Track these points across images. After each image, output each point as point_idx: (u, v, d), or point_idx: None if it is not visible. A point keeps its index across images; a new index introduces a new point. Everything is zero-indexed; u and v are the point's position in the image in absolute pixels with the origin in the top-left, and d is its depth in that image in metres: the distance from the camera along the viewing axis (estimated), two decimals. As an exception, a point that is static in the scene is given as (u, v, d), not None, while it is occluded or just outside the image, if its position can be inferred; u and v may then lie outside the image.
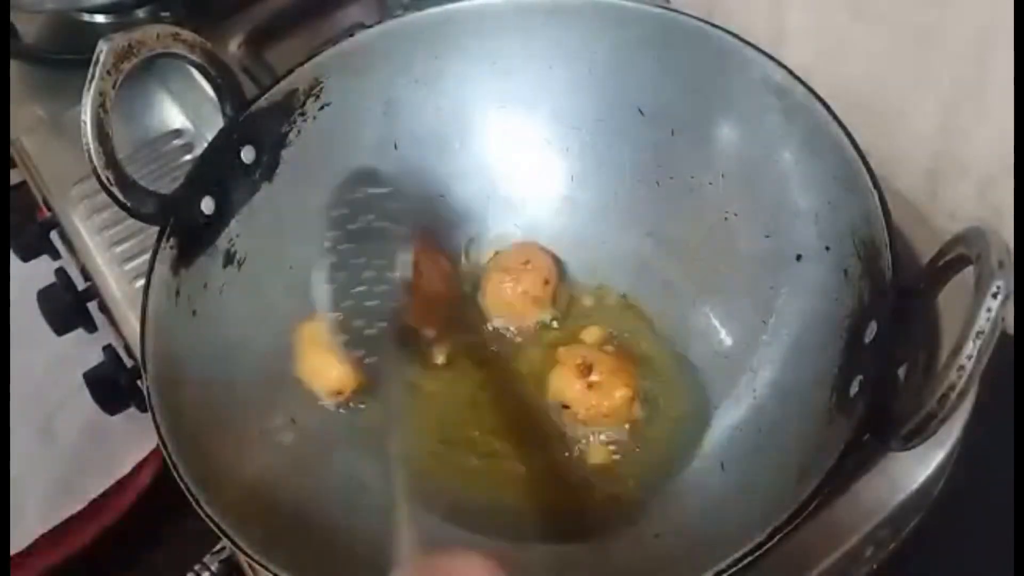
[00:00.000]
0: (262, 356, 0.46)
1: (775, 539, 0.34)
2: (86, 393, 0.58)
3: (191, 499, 0.38)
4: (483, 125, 0.53)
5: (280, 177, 0.49)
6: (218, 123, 0.48)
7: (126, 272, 0.57)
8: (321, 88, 0.50)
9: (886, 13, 0.53)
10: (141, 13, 0.69)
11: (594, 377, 0.46)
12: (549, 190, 0.54)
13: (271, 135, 0.49)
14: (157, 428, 0.40)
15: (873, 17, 0.53)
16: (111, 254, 0.58)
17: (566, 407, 0.47)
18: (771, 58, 0.46)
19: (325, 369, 0.46)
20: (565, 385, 0.47)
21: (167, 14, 0.69)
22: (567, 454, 0.47)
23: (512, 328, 0.51)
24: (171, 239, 0.44)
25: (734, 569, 0.34)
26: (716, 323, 0.49)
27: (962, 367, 0.31)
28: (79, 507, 0.64)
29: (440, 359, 0.50)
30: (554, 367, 0.48)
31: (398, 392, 0.47)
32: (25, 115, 0.67)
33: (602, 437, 0.47)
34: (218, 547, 0.47)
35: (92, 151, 0.42)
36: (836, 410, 0.39)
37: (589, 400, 0.46)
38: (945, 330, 0.44)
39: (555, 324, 0.51)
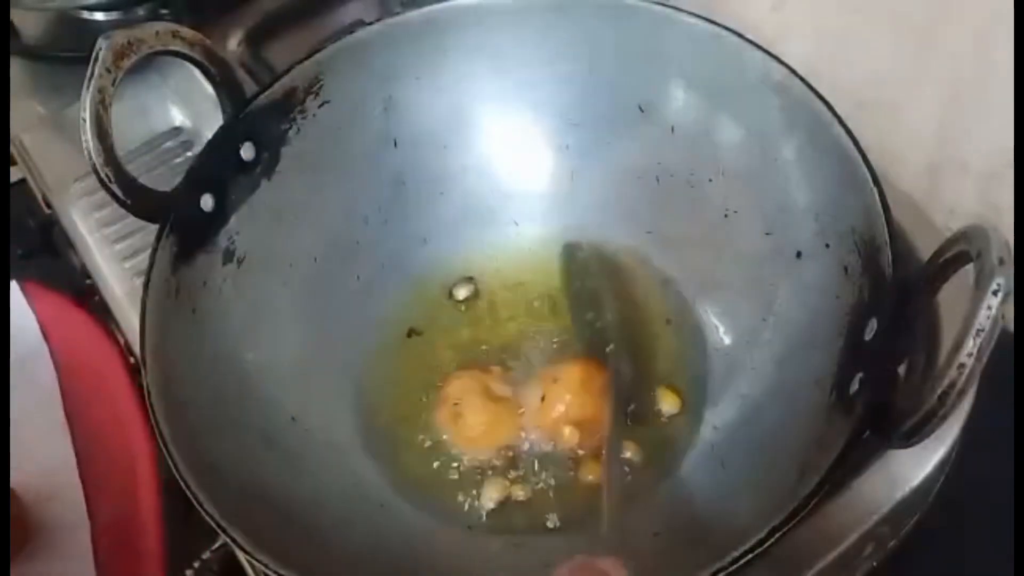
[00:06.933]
0: (262, 354, 0.46)
1: (775, 537, 0.34)
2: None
3: (191, 497, 0.38)
4: (483, 122, 0.53)
5: (280, 175, 0.49)
6: (218, 121, 0.48)
7: (126, 270, 0.57)
8: (321, 85, 0.49)
9: (886, 10, 0.53)
10: (141, 10, 0.69)
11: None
12: (549, 187, 0.54)
13: (271, 132, 0.49)
14: (157, 426, 0.39)
15: (873, 14, 0.53)
16: (111, 251, 0.58)
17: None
18: (771, 55, 0.46)
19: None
20: None
21: (167, 11, 0.69)
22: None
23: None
24: (171, 237, 0.44)
25: (734, 567, 0.34)
26: (716, 321, 0.49)
27: (962, 365, 0.31)
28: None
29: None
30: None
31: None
32: (25, 112, 0.67)
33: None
34: (218, 544, 0.47)
35: (91, 148, 0.42)
36: (836, 408, 0.39)
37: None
38: (945, 328, 0.44)
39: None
